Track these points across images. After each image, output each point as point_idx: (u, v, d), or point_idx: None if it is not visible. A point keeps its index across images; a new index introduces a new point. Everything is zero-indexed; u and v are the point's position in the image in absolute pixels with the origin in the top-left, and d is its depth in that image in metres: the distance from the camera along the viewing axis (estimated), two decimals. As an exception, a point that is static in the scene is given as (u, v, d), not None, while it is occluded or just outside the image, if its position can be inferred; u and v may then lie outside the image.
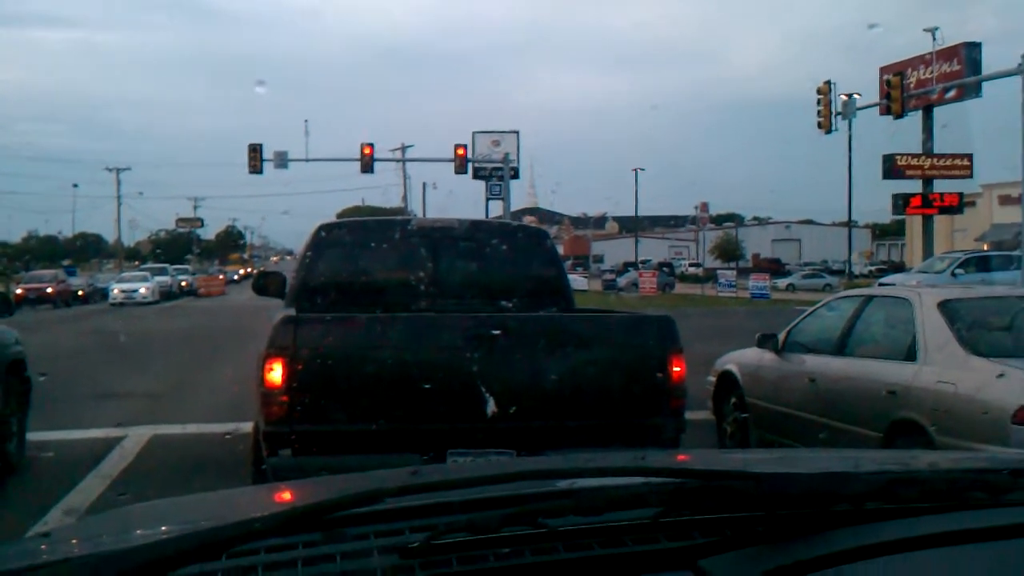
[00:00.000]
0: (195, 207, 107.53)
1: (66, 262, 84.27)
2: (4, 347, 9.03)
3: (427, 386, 5.95)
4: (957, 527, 1.69)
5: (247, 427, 7.89)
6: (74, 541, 1.76)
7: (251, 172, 45.56)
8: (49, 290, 50.50)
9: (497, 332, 6.16)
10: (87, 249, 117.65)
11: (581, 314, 8.13)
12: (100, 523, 2.13)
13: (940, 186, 43.82)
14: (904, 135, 44.06)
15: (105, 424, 10.95)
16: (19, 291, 48.68)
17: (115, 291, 52.27)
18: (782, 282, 61.53)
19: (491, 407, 5.85)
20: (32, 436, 9.53)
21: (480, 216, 40.84)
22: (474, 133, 52.41)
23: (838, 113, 40.11)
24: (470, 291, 7.92)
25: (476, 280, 8.13)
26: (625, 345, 6.53)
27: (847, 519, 1.73)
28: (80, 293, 56.07)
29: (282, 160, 46.88)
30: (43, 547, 1.74)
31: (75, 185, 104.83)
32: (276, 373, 5.80)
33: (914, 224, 53.07)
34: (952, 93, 41.91)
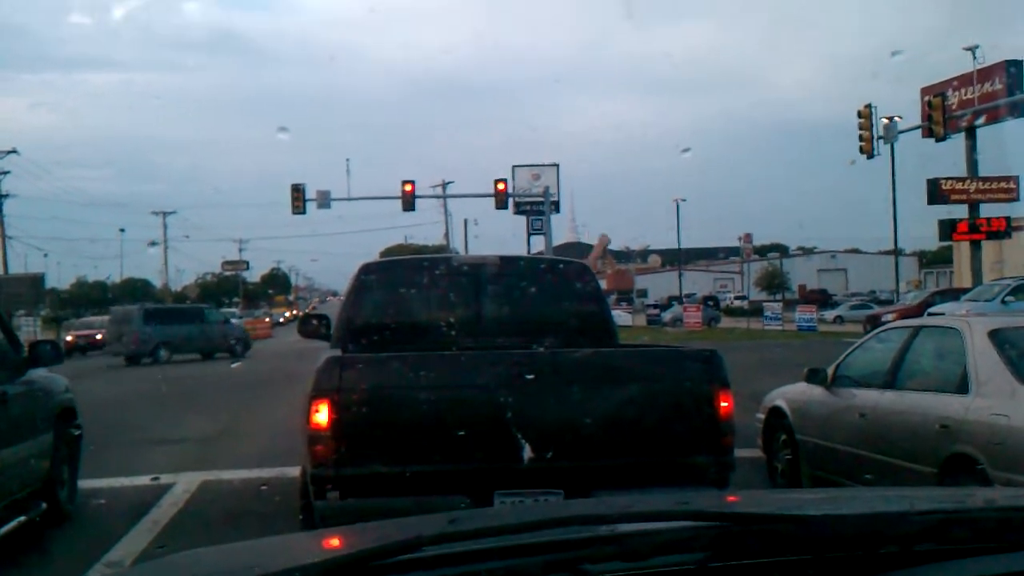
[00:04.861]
0: (240, 249, 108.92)
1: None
2: (54, 395, 9.14)
3: (473, 425, 5.93)
4: (1010, 569, 1.64)
5: (293, 472, 7.90)
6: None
7: (294, 212, 45.96)
8: (99, 336, 51.21)
9: (543, 369, 6.14)
10: (135, 294, 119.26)
11: (626, 350, 8.09)
12: (144, 574, 2.13)
13: (987, 210, 43.08)
14: (949, 157, 43.36)
15: (156, 470, 11.02)
16: (69, 338, 49.41)
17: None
18: (830, 314, 60.80)
19: (538, 447, 5.81)
20: (84, 483, 9.62)
21: (522, 252, 40.92)
22: (514, 167, 52.59)
23: (880, 137, 39.71)
24: (513, 328, 7.91)
25: (519, 317, 8.12)
26: (671, 381, 6.46)
27: (897, 561, 1.69)
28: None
29: (325, 200, 47.22)
30: None
31: (122, 230, 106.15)
32: (322, 415, 5.81)
33: (962, 250, 52.29)
34: (995, 113, 41.29)
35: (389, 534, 1.94)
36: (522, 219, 52.66)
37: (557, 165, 53.88)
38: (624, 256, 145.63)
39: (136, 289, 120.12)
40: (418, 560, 1.68)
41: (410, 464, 5.87)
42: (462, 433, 5.86)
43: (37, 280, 63.27)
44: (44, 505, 8.14)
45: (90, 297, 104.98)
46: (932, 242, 67.94)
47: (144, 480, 10.56)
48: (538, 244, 51.20)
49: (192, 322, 40.56)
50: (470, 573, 1.66)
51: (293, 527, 6.75)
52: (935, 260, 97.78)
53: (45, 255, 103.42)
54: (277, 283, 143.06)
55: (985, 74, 42.40)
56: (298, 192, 45.82)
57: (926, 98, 40.95)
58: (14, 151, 59.64)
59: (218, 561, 2.03)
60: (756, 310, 61.00)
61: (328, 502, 5.79)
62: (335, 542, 2.16)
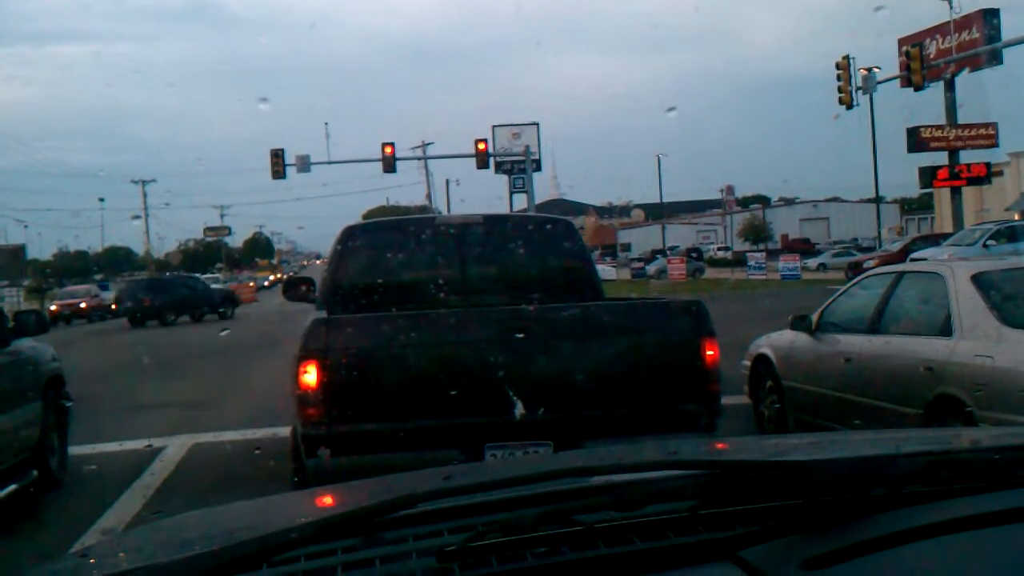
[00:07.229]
0: (222, 215, 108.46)
1: (98, 276, 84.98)
2: (42, 364, 9.12)
3: (461, 381, 5.96)
4: (997, 507, 1.66)
5: (284, 432, 7.93)
6: (114, 557, 1.77)
7: (274, 177, 45.95)
8: (83, 305, 51.06)
9: (529, 325, 6.16)
10: (117, 262, 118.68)
11: (612, 304, 8.11)
12: (139, 537, 2.14)
13: (966, 157, 43.23)
14: (928, 106, 43.52)
15: (146, 435, 11.03)
16: (53, 307, 49.19)
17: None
18: (813, 262, 60.98)
19: (527, 400, 5.85)
20: (75, 450, 9.63)
21: (504, 210, 40.87)
22: (493, 127, 52.49)
23: (859, 88, 39.85)
24: (498, 285, 7.93)
25: (504, 274, 8.13)
26: (657, 332, 6.51)
27: (887, 503, 1.71)
28: (113, 307, 56.60)
29: (304, 164, 47.13)
30: (83, 565, 1.76)
31: (101, 199, 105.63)
32: (310, 375, 5.83)
33: (942, 197, 52.47)
34: (973, 61, 41.38)
35: (383, 491, 1.95)
36: (504, 178, 52.61)
37: (537, 124, 53.67)
38: (606, 211, 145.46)
39: (118, 258, 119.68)
40: (414, 516, 1.69)
41: (399, 421, 5.90)
42: (448, 389, 5.89)
43: (18, 251, 62.87)
44: (35, 473, 8.16)
45: (72, 267, 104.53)
46: (913, 189, 68.16)
47: (135, 445, 10.57)
48: (520, 202, 51.17)
49: None
50: (465, 527, 1.67)
51: (285, 484, 6.79)
52: (917, 207, 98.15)
53: (25, 226, 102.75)
54: (259, 248, 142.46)
55: (962, 23, 42.46)
56: (278, 157, 45.67)
57: (904, 48, 40.94)
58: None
59: (214, 522, 2.03)
60: (739, 260, 61.15)
61: (319, 460, 5.82)
62: (329, 500, 2.17)
